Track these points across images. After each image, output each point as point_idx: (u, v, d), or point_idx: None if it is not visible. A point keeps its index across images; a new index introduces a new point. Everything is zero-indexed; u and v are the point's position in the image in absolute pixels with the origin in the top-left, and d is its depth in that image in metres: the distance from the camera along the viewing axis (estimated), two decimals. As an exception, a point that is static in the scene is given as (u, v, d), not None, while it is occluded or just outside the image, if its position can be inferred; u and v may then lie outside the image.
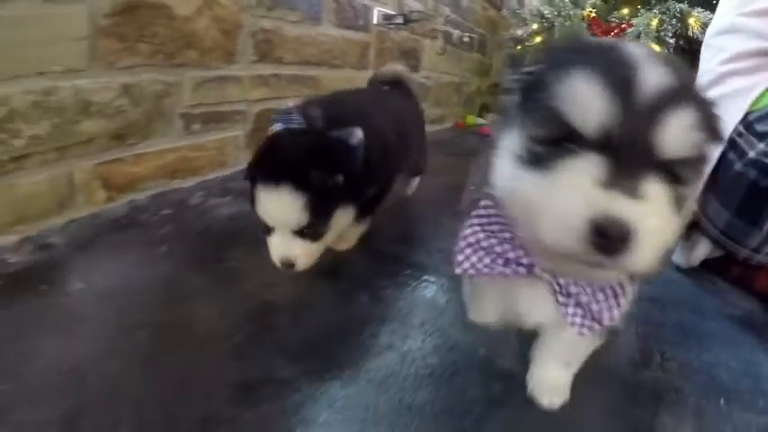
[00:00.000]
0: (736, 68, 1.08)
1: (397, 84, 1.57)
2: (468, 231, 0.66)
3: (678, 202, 0.49)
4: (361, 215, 1.18)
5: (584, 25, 2.38)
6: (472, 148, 2.46)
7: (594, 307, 0.62)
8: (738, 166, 1.04)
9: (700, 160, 0.49)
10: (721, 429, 0.81)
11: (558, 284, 0.63)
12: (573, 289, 0.62)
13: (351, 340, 0.96)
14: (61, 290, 1.08)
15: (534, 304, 0.69)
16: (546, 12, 2.48)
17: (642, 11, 2.22)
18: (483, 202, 0.66)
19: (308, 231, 0.99)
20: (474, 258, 0.66)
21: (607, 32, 2.24)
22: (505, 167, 0.55)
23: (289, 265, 1.00)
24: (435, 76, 3.07)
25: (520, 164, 0.52)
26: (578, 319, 0.63)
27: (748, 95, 1.05)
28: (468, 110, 3.61)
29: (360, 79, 2.27)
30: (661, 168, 0.46)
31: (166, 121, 1.55)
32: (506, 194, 0.57)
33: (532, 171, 0.50)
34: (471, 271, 0.66)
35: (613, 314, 0.62)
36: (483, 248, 0.65)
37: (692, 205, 0.55)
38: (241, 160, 1.83)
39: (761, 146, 1.00)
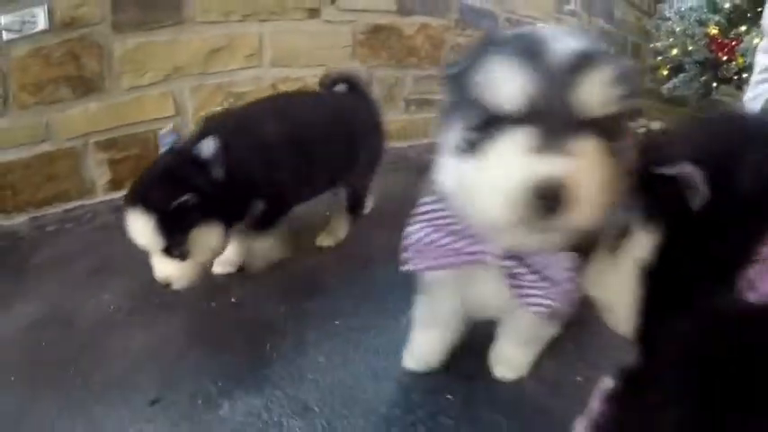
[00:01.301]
0: (759, 78, 1.43)
1: (350, 84, 1.43)
2: (414, 227, 0.65)
3: (612, 156, 0.50)
4: (257, 229, 1.16)
5: (705, 43, 2.57)
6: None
7: (545, 291, 0.62)
8: None
9: (622, 116, 0.50)
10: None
11: (511, 272, 0.62)
12: (524, 275, 0.62)
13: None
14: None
15: (489, 294, 0.68)
16: (677, 29, 2.73)
17: (755, 28, 2.34)
18: (428, 199, 0.65)
19: (174, 252, 0.98)
20: (424, 253, 0.65)
21: (722, 48, 2.42)
22: (448, 161, 0.57)
23: (165, 284, 1.00)
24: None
25: (459, 154, 0.53)
26: (533, 301, 0.63)
27: (762, 98, 1.38)
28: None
29: None
30: (587, 127, 0.48)
31: (395, 102, 2.31)
32: (450, 186, 0.58)
33: (470, 157, 0.52)
34: (421, 266, 0.65)
35: (564, 297, 0.62)
36: (431, 242, 0.64)
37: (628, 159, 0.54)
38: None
39: None
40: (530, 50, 0.48)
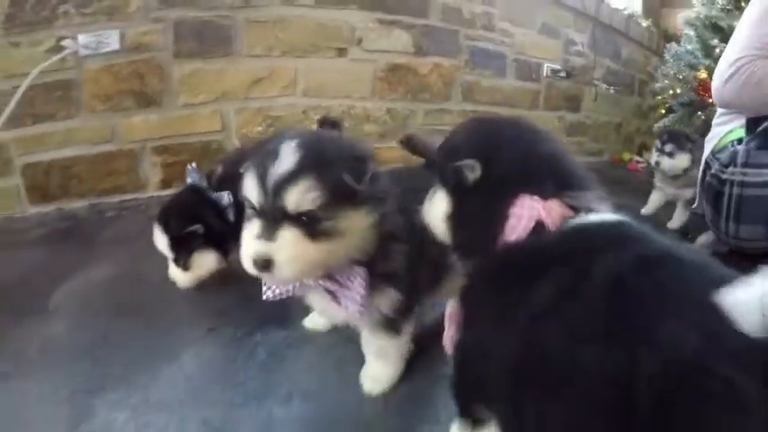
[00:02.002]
0: (717, 121, 1.67)
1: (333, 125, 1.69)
2: None
3: (324, 233, 0.74)
4: None
5: (694, 86, 2.72)
6: (617, 179, 3.06)
7: (349, 299, 0.83)
8: (708, 176, 1.56)
9: (328, 207, 0.74)
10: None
11: (327, 289, 0.85)
12: (337, 289, 0.84)
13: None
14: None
15: (322, 308, 0.96)
16: (671, 72, 2.89)
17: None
18: None
19: (179, 263, 1.30)
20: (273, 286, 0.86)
21: (707, 91, 2.48)
22: None
23: (172, 281, 1.32)
24: (594, 117, 3.78)
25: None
26: (345, 306, 0.84)
27: (716, 139, 1.62)
28: (626, 147, 4.13)
29: (531, 117, 3.20)
30: (293, 219, 0.73)
31: (408, 130, 2.63)
32: None
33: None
34: (270, 295, 0.86)
35: (360, 302, 0.83)
36: None
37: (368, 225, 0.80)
38: (446, 163, 2.89)
39: (716, 165, 1.51)
40: (264, 165, 0.75)
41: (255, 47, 2.32)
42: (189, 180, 1.35)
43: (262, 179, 0.74)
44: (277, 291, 0.86)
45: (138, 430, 0.91)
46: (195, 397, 1.00)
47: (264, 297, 0.86)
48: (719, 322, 0.45)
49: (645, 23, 4.07)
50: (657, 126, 2.97)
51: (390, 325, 0.94)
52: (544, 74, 3.29)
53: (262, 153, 0.77)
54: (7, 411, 0.97)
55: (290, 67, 2.38)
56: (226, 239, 1.32)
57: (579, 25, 3.45)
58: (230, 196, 1.30)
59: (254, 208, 0.76)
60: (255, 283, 0.84)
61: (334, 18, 2.40)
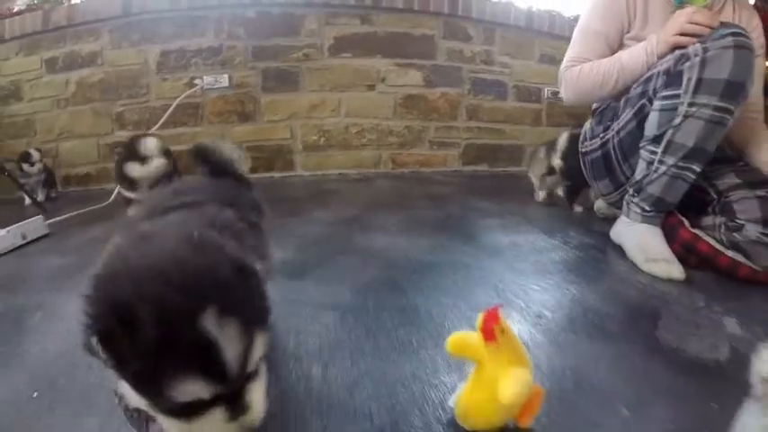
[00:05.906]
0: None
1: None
2: None
3: None
4: None
5: None
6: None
7: None
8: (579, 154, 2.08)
9: None
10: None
11: None
12: None
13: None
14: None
15: None
16: None
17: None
18: None
19: None
20: None
21: None
22: None
23: None
24: (602, 131, 4.68)
25: None
26: None
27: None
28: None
29: (534, 132, 4.24)
30: None
31: (422, 142, 3.89)
32: None
33: None
34: None
35: None
36: None
37: None
38: (455, 164, 4.06)
39: (580, 145, 2.08)
40: None
41: (313, 85, 3.69)
42: None
43: None
44: None
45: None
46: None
47: None
48: None
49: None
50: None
51: None
52: (545, 96, 4.22)
53: None
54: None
55: (336, 98, 3.71)
56: None
57: (577, 53, 4.34)
58: None
59: None
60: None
61: (365, 64, 3.70)
